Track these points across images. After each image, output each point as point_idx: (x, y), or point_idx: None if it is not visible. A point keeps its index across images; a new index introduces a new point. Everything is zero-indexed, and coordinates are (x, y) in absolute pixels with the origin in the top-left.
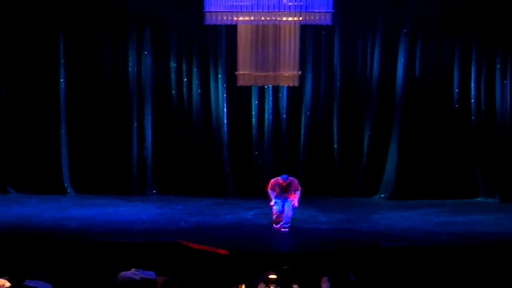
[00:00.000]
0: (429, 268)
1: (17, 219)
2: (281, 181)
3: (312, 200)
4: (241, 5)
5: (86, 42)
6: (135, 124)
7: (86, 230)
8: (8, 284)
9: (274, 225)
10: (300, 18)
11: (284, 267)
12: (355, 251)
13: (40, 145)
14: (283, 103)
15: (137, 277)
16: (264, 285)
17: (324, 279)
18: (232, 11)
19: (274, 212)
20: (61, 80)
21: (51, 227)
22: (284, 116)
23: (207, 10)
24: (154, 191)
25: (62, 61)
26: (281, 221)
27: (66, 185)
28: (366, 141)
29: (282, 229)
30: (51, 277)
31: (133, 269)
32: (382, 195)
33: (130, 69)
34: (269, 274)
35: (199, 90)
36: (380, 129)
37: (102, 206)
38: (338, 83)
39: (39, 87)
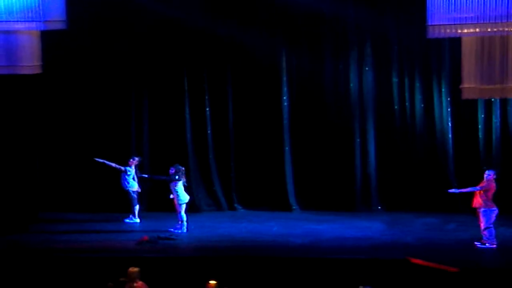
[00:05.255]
0: None
1: (246, 235)
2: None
3: None
4: (465, 17)
5: (308, 59)
6: (358, 140)
7: (313, 246)
8: None
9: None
10: None
11: None
12: None
13: (266, 163)
14: None
15: None
16: None
17: None
18: (456, 24)
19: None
20: (284, 98)
21: (278, 244)
22: None
23: (430, 23)
24: (379, 207)
25: (284, 78)
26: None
27: (291, 201)
28: None
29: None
30: None
31: (361, 287)
32: None
33: (351, 84)
34: None
35: (422, 105)
36: None
37: (328, 222)
38: None
39: (263, 106)
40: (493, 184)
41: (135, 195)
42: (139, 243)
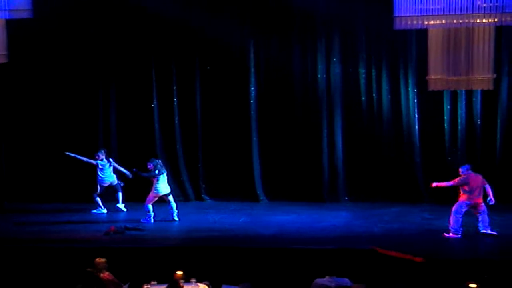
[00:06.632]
0: None
1: (213, 226)
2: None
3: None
4: (432, 9)
5: (276, 50)
6: (325, 131)
7: (280, 237)
8: None
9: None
10: (496, 20)
11: (485, 276)
12: None
13: (233, 154)
14: (477, 107)
15: (332, 285)
16: None
17: None
18: (423, 15)
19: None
20: (252, 89)
21: (245, 234)
22: (479, 121)
23: (397, 15)
24: (346, 198)
25: (252, 69)
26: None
27: (258, 192)
28: None
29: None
30: (247, 282)
31: (327, 277)
32: None
33: (319, 76)
34: (469, 284)
35: (389, 96)
36: None
37: (295, 213)
38: None
39: (231, 97)
40: (471, 179)
41: (101, 189)
42: (106, 233)
